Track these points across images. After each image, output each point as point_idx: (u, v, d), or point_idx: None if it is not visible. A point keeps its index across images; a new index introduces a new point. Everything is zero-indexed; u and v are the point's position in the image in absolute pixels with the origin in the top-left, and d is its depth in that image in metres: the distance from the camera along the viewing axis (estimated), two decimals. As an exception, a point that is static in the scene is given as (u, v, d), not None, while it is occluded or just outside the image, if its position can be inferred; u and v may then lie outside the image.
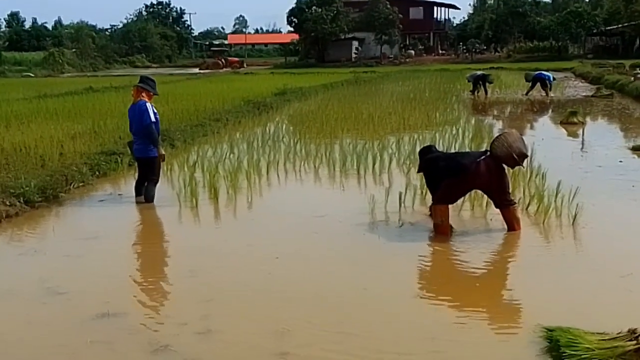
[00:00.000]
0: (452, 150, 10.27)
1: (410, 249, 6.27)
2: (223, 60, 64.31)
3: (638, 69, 28.69)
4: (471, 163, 6.42)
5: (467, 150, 10.38)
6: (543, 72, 24.50)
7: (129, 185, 9.02)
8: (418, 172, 7.41)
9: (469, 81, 23.99)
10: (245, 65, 63.50)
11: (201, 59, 79.64)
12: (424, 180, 7.86)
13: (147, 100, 8.25)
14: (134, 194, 8.38)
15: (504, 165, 6.56)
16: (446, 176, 6.53)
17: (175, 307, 5.03)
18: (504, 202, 6.57)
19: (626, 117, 17.46)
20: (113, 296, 5.15)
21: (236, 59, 68.63)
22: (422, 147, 7.49)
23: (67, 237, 7.04)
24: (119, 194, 8.83)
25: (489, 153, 6.52)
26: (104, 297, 5.09)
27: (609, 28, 59.63)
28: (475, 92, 23.40)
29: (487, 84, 23.38)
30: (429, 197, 7.63)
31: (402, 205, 7.45)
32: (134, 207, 8.13)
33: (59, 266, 6.01)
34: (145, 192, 8.22)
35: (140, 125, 8.13)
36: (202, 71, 54.60)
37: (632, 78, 24.67)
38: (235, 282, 5.45)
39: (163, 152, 8.39)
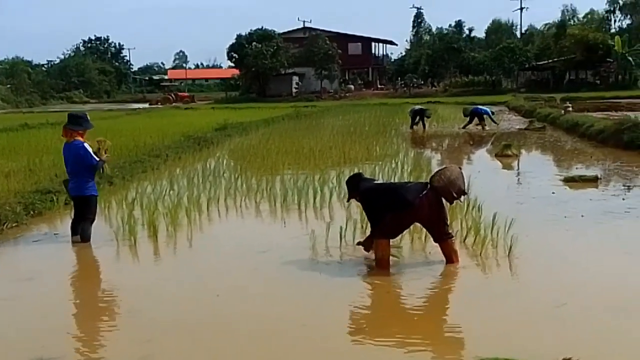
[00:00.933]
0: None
1: (350, 284, 6.30)
2: (173, 95, 64.10)
3: (568, 102, 29.70)
4: (414, 198, 6.46)
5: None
6: (479, 106, 25.18)
7: (65, 224, 8.81)
8: (347, 201, 7.50)
9: (410, 115, 24.37)
10: (195, 100, 63.36)
11: (141, 94, 79.20)
12: (363, 214, 7.95)
13: (82, 139, 8.08)
14: (70, 233, 8.18)
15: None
16: (390, 211, 6.54)
17: (113, 348, 4.91)
18: (442, 236, 6.67)
19: (558, 149, 18.05)
20: (49, 340, 5.01)
21: (186, 94, 68.60)
22: (350, 175, 7.46)
23: (0, 279, 6.82)
24: (55, 234, 8.62)
25: (429, 186, 6.61)
26: (39, 341, 4.95)
27: (540, 63, 61.95)
28: (414, 126, 23.82)
29: (425, 118, 23.86)
30: (369, 232, 7.72)
31: (343, 239, 7.49)
32: (70, 247, 7.94)
33: (-10, 310, 5.82)
34: (81, 231, 8.04)
35: (81, 165, 7.97)
36: (152, 106, 54.11)
37: (563, 111, 25.51)
38: (175, 321, 5.36)
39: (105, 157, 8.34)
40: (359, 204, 7.22)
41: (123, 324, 5.38)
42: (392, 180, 11.02)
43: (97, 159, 8.03)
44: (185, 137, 19.36)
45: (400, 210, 6.51)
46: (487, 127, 23.48)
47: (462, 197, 6.89)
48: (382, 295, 6.13)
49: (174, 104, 57.38)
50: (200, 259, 7.40)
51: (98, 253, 7.76)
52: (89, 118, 8.40)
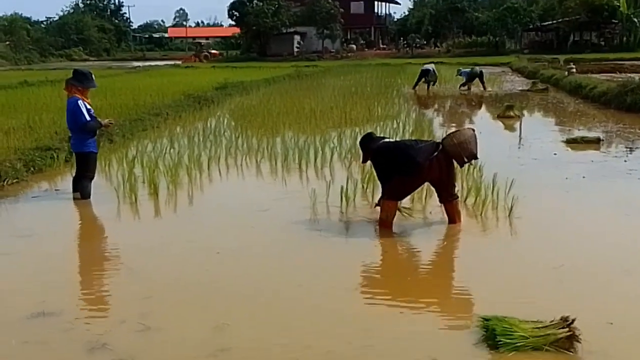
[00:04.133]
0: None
1: (351, 243, 6.32)
2: (208, 53, 64.58)
3: (572, 63, 29.45)
4: (425, 160, 6.37)
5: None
6: (473, 68, 24.73)
7: (65, 181, 8.81)
8: (363, 162, 7.28)
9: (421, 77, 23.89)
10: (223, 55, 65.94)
11: (140, 53, 78.74)
12: (364, 173, 7.93)
13: (79, 96, 7.97)
14: (71, 190, 8.17)
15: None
16: (399, 173, 6.47)
17: (113, 305, 4.95)
18: (449, 197, 6.64)
19: (560, 110, 17.96)
20: (48, 295, 5.02)
21: (216, 52, 69.24)
22: (362, 136, 7.27)
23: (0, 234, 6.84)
24: (56, 190, 8.63)
25: (441, 147, 6.50)
26: (39, 296, 4.96)
27: (544, 24, 61.23)
28: (416, 86, 23.53)
29: (430, 81, 23.52)
30: (370, 191, 7.71)
31: (344, 199, 7.47)
32: (71, 204, 7.94)
33: (-9, 265, 5.83)
34: (80, 188, 8.03)
35: (74, 123, 7.94)
36: (193, 64, 53.21)
37: (566, 73, 25.30)
38: (174, 278, 5.38)
39: (106, 122, 8.32)
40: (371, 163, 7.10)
41: (123, 281, 5.39)
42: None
43: (89, 119, 7.94)
44: (186, 96, 19.25)
45: (409, 173, 6.44)
46: (470, 90, 23.22)
47: (474, 160, 6.83)
48: (382, 254, 6.13)
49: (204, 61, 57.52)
50: (201, 217, 7.39)
51: (98, 210, 7.76)
52: (93, 77, 8.27)
